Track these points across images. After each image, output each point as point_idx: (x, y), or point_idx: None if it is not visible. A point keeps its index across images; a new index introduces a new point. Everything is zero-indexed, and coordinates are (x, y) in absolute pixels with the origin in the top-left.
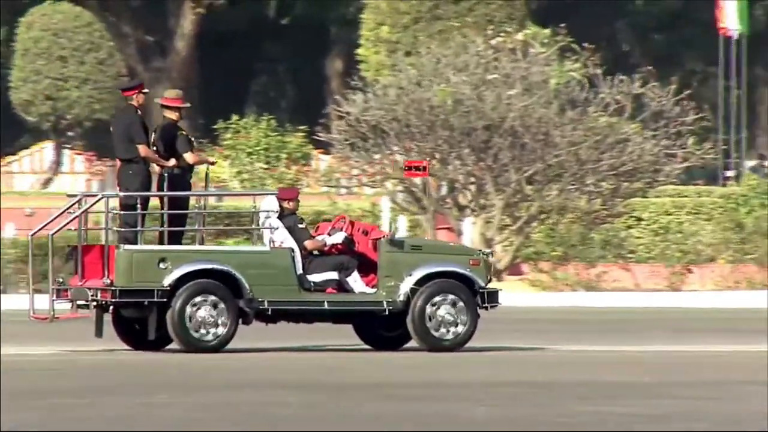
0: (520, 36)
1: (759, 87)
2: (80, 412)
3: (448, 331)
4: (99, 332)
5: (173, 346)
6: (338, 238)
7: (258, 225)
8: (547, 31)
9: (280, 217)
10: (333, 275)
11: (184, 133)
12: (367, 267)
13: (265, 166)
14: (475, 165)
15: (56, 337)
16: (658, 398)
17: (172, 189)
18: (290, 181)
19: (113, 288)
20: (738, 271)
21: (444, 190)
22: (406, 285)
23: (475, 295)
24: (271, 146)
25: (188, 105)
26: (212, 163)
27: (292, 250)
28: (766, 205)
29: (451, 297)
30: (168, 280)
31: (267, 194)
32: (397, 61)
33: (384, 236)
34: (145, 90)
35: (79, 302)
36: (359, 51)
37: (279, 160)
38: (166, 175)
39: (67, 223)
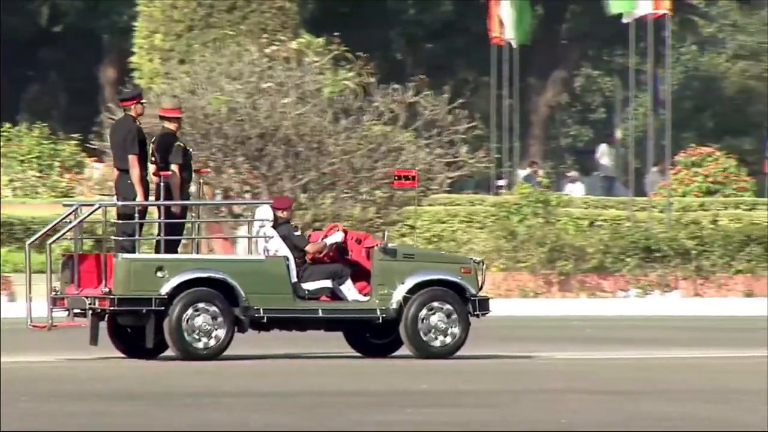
0: (294, 45)
1: (531, 96)
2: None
3: (440, 339)
4: (94, 340)
5: (168, 353)
6: (337, 237)
7: (253, 234)
8: (321, 40)
9: (274, 226)
10: (327, 283)
11: (180, 144)
12: (360, 275)
13: (38, 174)
14: (249, 173)
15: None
16: (437, 407)
17: (169, 199)
18: (63, 189)
19: (111, 296)
20: (511, 279)
21: (219, 199)
22: (399, 293)
23: (466, 303)
24: (44, 154)
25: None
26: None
27: (287, 259)
28: (539, 213)
29: (443, 305)
30: (165, 289)
31: (261, 203)
32: (171, 69)
33: (377, 245)
34: (143, 101)
35: (75, 310)
36: (133, 59)
37: (52, 168)
38: (163, 184)
39: (65, 232)
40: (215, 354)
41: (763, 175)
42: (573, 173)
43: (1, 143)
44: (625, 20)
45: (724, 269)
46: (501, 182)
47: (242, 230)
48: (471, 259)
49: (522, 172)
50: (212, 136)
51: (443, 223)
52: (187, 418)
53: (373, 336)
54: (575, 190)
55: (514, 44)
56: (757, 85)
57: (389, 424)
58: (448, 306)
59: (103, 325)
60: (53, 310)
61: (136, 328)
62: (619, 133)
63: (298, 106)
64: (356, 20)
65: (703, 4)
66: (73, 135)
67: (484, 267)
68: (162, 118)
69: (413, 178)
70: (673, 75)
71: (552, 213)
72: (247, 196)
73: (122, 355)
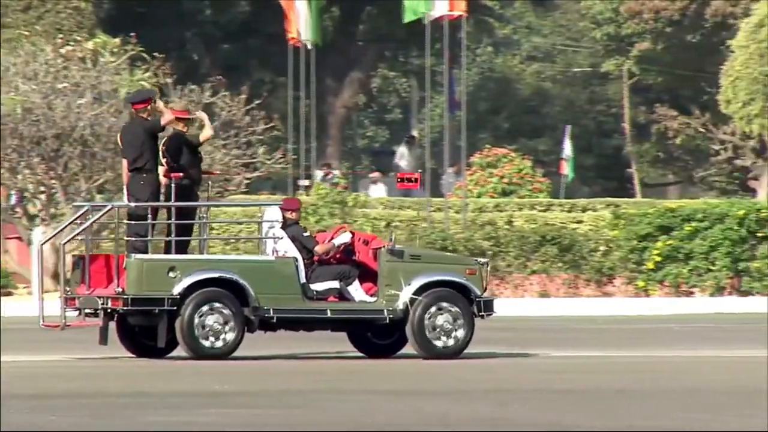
0: (89, 45)
1: (328, 97)
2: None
3: (446, 339)
4: (104, 340)
5: (176, 353)
6: (345, 238)
7: (262, 235)
8: (117, 40)
9: (283, 227)
10: (335, 284)
11: (191, 141)
12: (367, 276)
13: None
14: (45, 174)
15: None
16: (229, 407)
17: (180, 200)
18: None
19: (125, 296)
20: None
21: (13, 200)
22: (406, 294)
23: (471, 304)
24: None
25: (194, 116)
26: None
27: (296, 260)
28: (336, 214)
29: (449, 306)
30: (177, 289)
31: (270, 205)
32: None
33: (384, 246)
34: (154, 102)
35: (87, 310)
36: None
37: None
38: (173, 186)
39: (78, 233)
40: (226, 353)
41: (558, 176)
42: (375, 174)
43: None
44: (428, 19)
45: (520, 270)
46: (305, 182)
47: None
48: (476, 260)
49: (319, 173)
50: (7, 136)
51: (240, 224)
52: None
53: (376, 336)
54: (377, 190)
55: (309, 45)
56: (551, 86)
57: (161, 425)
58: (454, 307)
59: (111, 325)
60: (65, 309)
61: (146, 328)
62: (415, 134)
63: (94, 107)
64: (152, 20)
65: (497, 6)
66: None
67: (488, 268)
68: None
69: (416, 180)
70: (468, 76)
71: (349, 214)
72: (43, 197)
73: (131, 355)
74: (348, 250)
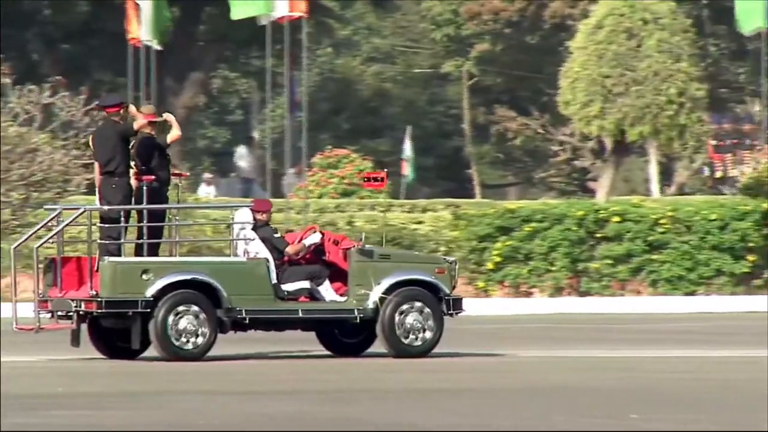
0: None
1: (168, 98)
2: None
3: (416, 338)
4: (76, 342)
5: (147, 354)
6: (315, 238)
7: (233, 236)
8: None
9: (254, 229)
10: (305, 284)
11: (160, 144)
12: (337, 276)
13: None
14: None
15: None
16: (73, 409)
17: (150, 202)
18: None
19: (99, 299)
20: None
21: None
22: (376, 293)
23: (440, 303)
24: None
25: (162, 119)
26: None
27: (267, 261)
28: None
29: (418, 305)
30: (151, 291)
31: (241, 206)
32: None
33: (354, 246)
34: (127, 106)
35: (59, 313)
36: None
37: None
38: (144, 188)
39: (52, 236)
40: (200, 355)
41: (398, 177)
42: (208, 175)
43: None
44: (263, 22)
45: None
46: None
47: None
48: (444, 259)
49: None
50: None
51: (83, 225)
52: None
53: (345, 335)
54: (210, 192)
55: (152, 45)
56: (391, 87)
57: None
58: (423, 306)
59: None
60: (40, 312)
61: (118, 330)
62: (256, 135)
63: None
64: None
65: (338, 7)
66: None
67: (457, 267)
68: None
69: (382, 179)
70: (309, 77)
71: (190, 214)
72: None
73: (103, 356)
74: (318, 250)
